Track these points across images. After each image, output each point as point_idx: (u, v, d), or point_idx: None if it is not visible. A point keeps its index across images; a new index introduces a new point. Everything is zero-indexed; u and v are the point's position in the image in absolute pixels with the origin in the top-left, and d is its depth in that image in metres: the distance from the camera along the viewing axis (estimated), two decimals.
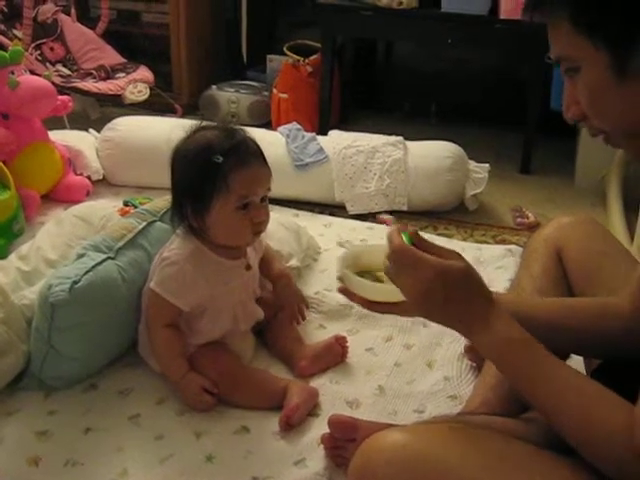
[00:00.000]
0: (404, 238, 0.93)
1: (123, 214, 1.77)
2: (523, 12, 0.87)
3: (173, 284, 1.33)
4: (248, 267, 1.19)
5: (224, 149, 1.26)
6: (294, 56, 3.05)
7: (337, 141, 2.38)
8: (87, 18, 3.29)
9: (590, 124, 0.88)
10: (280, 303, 1.51)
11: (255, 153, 1.31)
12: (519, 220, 2.19)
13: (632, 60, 0.79)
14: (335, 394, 1.39)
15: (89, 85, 2.88)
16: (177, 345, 1.35)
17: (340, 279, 1.07)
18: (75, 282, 1.31)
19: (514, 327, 0.90)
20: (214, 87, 3.27)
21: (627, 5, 0.77)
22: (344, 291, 1.06)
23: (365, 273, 1.07)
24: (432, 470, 0.84)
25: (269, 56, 3.36)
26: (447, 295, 0.88)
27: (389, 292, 0.99)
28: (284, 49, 3.10)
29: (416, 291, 0.89)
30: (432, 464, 0.84)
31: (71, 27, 3.13)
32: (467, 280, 0.90)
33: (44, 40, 3.03)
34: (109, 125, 2.43)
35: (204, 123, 1.33)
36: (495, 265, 1.93)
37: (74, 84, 2.87)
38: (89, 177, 2.33)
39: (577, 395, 0.85)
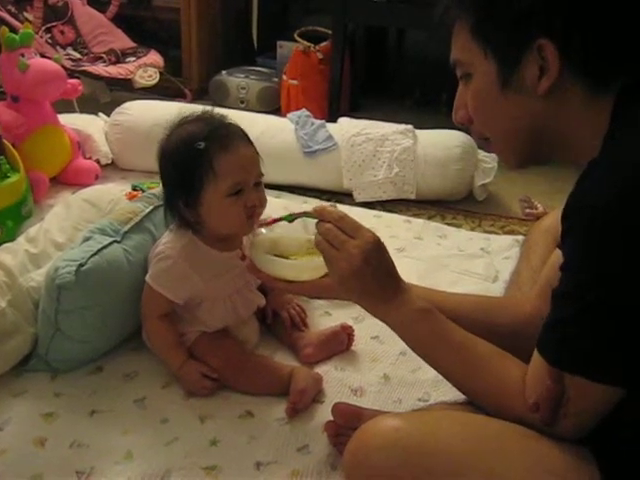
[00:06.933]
0: (285, 217, 1.10)
1: (131, 198, 1.77)
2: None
3: (165, 278, 1.33)
4: (243, 257, 1.18)
5: (205, 134, 1.25)
6: (305, 42, 3.03)
7: (346, 128, 2.37)
8: (98, 2, 3.28)
9: (474, 128, 0.96)
10: (274, 309, 1.51)
11: (238, 135, 1.30)
12: (528, 211, 2.17)
13: (515, 76, 0.86)
14: (340, 381, 1.39)
15: (99, 69, 2.88)
16: (171, 336, 1.36)
17: (250, 257, 1.15)
18: (81, 265, 1.32)
19: (419, 299, 1.00)
20: (224, 72, 3.26)
21: (515, 29, 0.84)
22: (250, 268, 1.15)
23: (278, 256, 1.15)
24: (424, 455, 0.85)
25: (279, 42, 3.34)
26: (375, 265, 0.96)
27: (294, 269, 1.10)
28: (295, 35, 3.08)
29: (354, 258, 0.96)
30: (424, 449, 0.86)
31: (82, 10, 3.13)
32: (386, 253, 1.00)
33: (54, 23, 3.03)
34: (118, 109, 2.43)
35: (185, 117, 1.32)
36: (503, 255, 1.93)
37: (84, 68, 2.87)
38: (98, 161, 2.34)
39: (477, 355, 0.95)
